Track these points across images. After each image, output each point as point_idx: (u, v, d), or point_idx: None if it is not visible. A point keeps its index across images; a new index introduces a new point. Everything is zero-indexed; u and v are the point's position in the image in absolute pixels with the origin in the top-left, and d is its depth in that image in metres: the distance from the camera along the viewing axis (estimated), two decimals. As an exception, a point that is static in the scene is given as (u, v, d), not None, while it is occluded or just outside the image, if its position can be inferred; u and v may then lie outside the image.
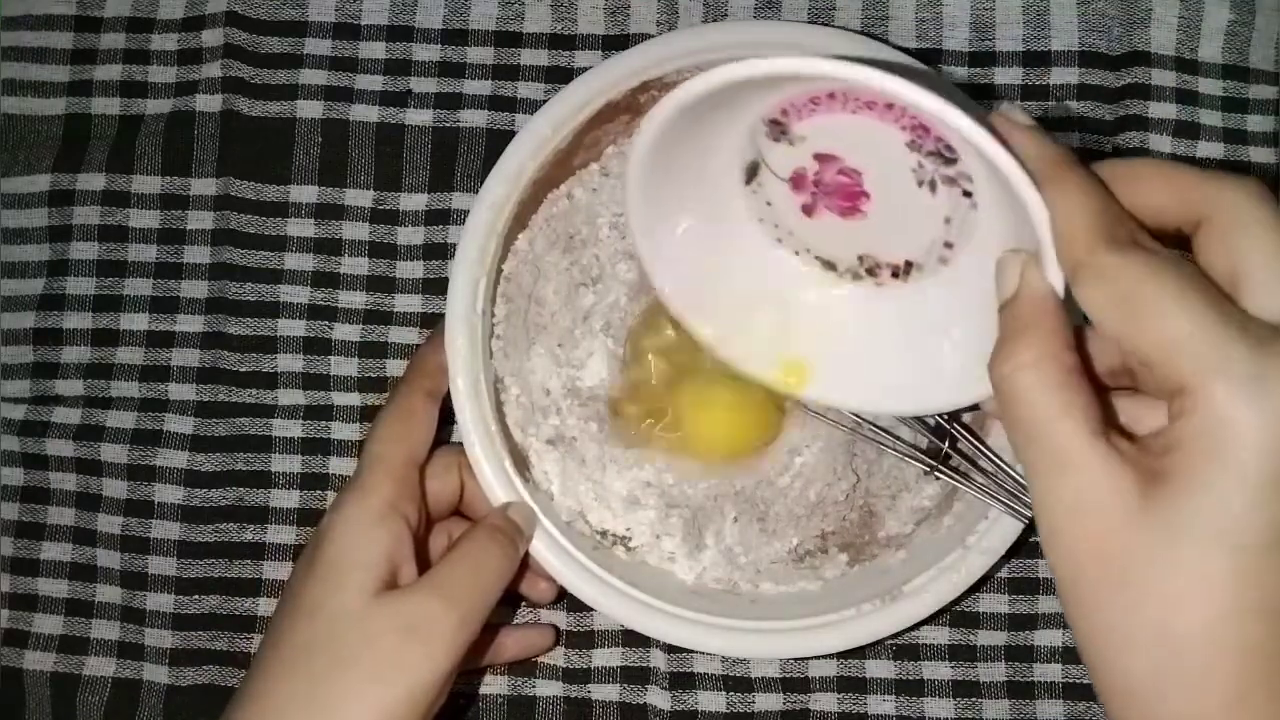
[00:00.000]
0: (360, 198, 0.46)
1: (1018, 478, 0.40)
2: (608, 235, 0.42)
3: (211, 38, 0.46)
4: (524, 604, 0.45)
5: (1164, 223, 0.26)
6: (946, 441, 0.41)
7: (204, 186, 0.46)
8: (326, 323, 0.46)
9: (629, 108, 0.42)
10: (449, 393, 0.40)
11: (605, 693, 0.45)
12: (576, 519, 0.42)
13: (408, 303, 0.46)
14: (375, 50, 0.47)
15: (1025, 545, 0.44)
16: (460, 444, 0.41)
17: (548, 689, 0.45)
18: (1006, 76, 0.46)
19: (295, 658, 0.35)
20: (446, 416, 0.40)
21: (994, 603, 0.45)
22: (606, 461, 0.42)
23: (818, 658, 0.45)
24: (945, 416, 0.41)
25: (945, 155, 0.30)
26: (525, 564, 0.40)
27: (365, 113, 0.46)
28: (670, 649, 0.45)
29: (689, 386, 0.42)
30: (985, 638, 0.45)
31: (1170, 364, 0.24)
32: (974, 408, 0.43)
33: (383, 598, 0.35)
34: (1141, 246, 0.25)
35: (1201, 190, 0.26)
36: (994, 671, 0.45)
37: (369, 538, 0.36)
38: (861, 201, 0.33)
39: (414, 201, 0.46)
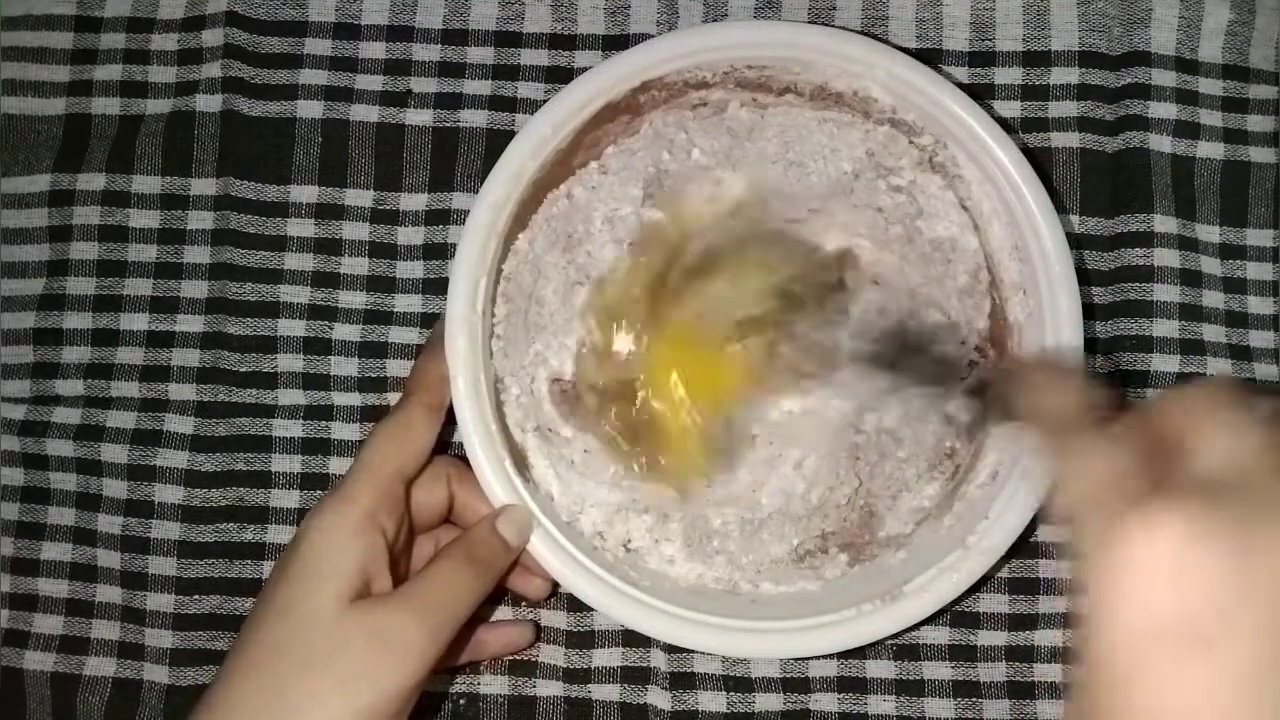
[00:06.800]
0: (360, 198, 0.46)
1: None
2: (600, 229, 0.42)
3: (211, 38, 0.46)
4: (524, 603, 0.45)
5: None
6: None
7: (204, 186, 0.46)
8: (326, 323, 0.46)
9: (629, 108, 0.42)
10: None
11: (606, 693, 0.45)
12: (576, 519, 0.42)
13: (408, 303, 0.46)
14: (375, 50, 0.47)
15: (1026, 545, 0.44)
16: (452, 455, 0.41)
17: (548, 689, 0.45)
18: (1006, 76, 0.46)
19: (263, 658, 0.35)
20: (448, 416, 0.40)
21: (994, 603, 0.45)
22: (598, 468, 0.42)
23: (818, 658, 0.45)
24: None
25: None
26: (516, 561, 0.40)
27: (365, 113, 0.46)
28: (670, 649, 0.45)
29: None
30: (985, 638, 0.45)
31: None
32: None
33: (355, 606, 0.35)
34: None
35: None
36: (994, 671, 0.45)
37: (345, 547, 0.36)
38: None
39: (414, 201, 0.46)
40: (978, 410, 0.35)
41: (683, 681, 0.45)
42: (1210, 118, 0.46)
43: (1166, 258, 0.45)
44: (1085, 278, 0.44)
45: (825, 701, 0.45)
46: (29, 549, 0.46)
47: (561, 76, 0.46)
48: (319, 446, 0.46)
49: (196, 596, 0.45)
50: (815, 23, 0.46)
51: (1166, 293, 0.45)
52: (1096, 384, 0.29)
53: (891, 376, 0.39)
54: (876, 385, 0.41)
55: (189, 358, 0.46)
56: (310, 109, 0.46)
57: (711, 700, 0.45)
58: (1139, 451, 0.26)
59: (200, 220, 0.46)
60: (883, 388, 0.40)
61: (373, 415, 0.46)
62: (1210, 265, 0.46)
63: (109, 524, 0.45)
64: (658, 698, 0.44)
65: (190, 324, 0.46)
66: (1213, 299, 0.46)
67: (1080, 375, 0.30)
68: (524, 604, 0.45)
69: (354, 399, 0.46)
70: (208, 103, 0.46)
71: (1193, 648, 0.23)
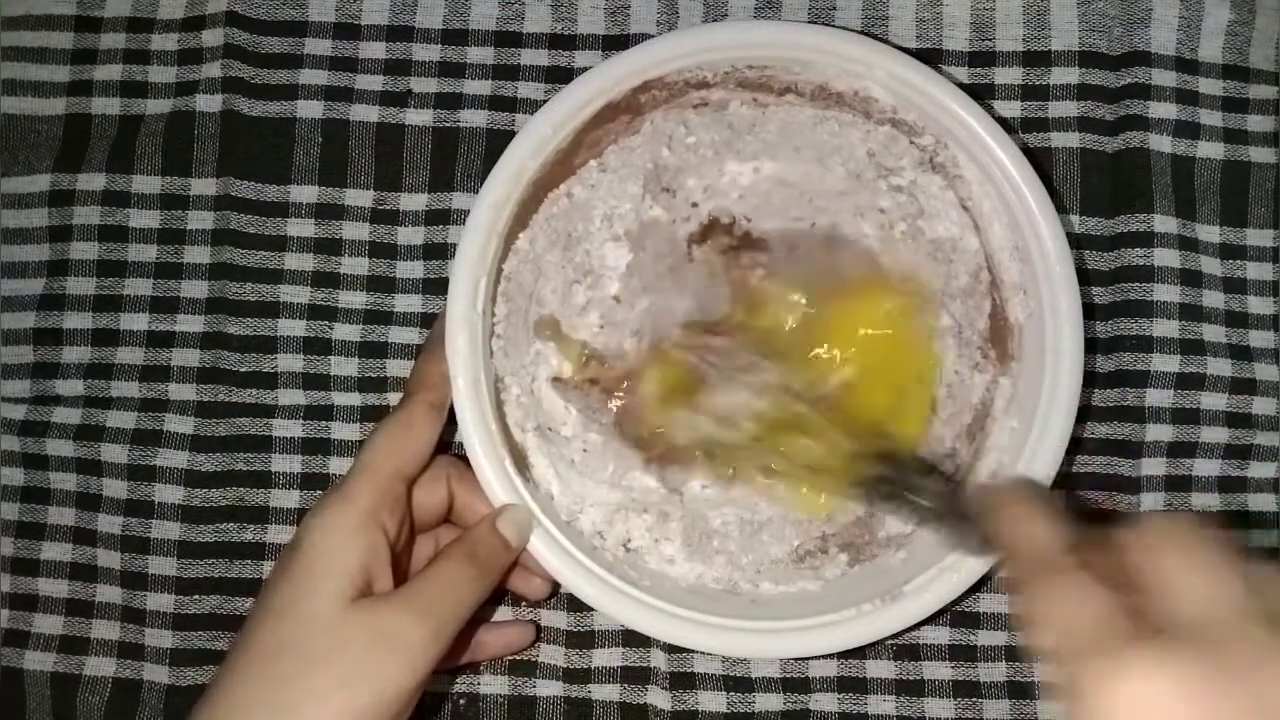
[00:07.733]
0: (360, 198, 0.46)
1: None
2: (599, 227, 0.42)
3: (211, 38, 0.46)
4: (524, 603, 0.45)
5: None
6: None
7: (204, 186, 0.46)
8: (326, 323, 0.46)
9: (629, 108, 0.42)
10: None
11: (606, 693, 0.45)
12: (576, 519, 0.42)
13: (408, 303, 0.46)
14: (375, 50, 0.47)
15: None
16: (452, 455, 0.41)
17: (548, 689, 0.45)
18: (1006, 76, 0.46)
19: (263, 657, 0.34)
20: (448, 415, 0.40)
21: (994, 603, 0.45)
22: (597, 467, 0.42)
23: (818, 658, 0.45)
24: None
25: None
26: (516, 561, 0.40)
27: (365, 113, 0.46)
28: (671, 649, 0.45)
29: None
30: (985, 638, 0.45)
31: None
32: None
33: (356, 605, 0.35)
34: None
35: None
36: (994, 671, 0.45)
37: (345, 545, 0.36)
38: None
39: (414, 201, 0.46)
40: (962, 537, 0.37)
41: (683, 681, 0.45)
42: (1210, 118, 0.46)
43: (1166, 258, 0.45)
44: (1085, 278, 0.44)
45: (825, 701, 0.45)
46: (29, 549, 0.46)
47: (561, 76, 0.46)
48: (319, 446, 0.46)
49: (196, 596, 0.45)
50: (815, 23, 0.46)
51: (1166, 293, 0.45)
52: (1066, 515, 0.30)
53: (889, 502, 0.40)
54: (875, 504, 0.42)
55: (189, 358, 0.46)
56: (310, 109, 0.46)
57: (711, 700, 0.45)
58: (1114, 589, 0.27)
59: (200, 220, 0.46)
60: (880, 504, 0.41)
61: (373, 415, 0.46)
62: (1210, 265, 0.46)
63: (109, 524, 0.45)
64: (658, 698, 0.44)
65: (190, 324, 0.46)
66: (1213, 299, 0.46)
67: (1055, 510, 0.31)
68: (524, 604, 0.45)
69: (354, 399, 0.46)
70: (208, 103, 0.46)
71: None
